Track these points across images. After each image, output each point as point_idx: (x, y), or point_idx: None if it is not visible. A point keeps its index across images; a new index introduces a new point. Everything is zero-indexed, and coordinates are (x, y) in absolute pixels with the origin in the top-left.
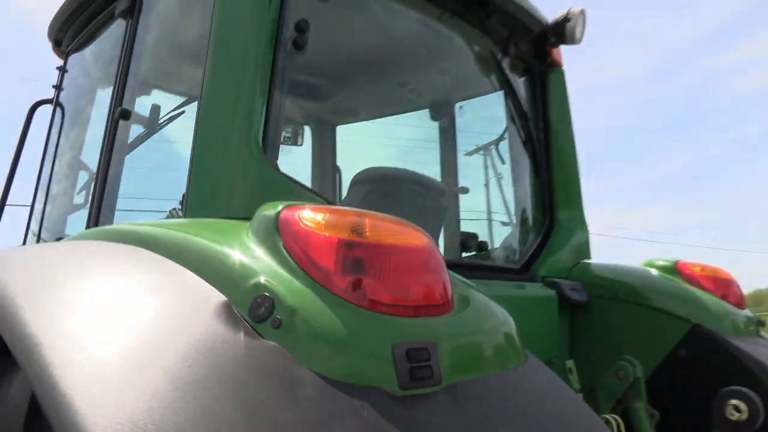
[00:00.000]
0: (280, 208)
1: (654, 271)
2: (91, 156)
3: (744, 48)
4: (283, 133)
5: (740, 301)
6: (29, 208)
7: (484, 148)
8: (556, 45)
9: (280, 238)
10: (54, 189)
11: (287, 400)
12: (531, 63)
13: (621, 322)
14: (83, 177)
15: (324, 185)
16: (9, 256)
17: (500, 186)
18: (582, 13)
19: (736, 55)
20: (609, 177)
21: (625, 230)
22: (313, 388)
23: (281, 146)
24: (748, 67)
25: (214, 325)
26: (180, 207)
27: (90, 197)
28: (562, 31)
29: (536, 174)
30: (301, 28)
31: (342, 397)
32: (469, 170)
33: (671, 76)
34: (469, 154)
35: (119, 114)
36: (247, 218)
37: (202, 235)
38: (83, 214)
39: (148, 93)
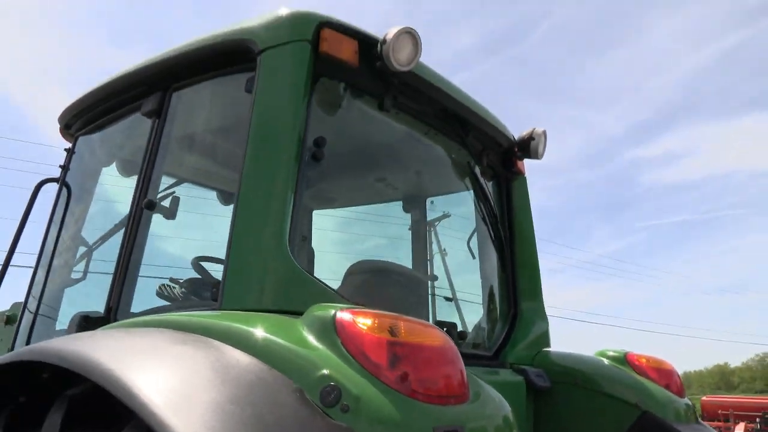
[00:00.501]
0: (333, 311)
1: (606, 361)
2: (94, 233)
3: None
4: None
5: (680, 390)
6: (30, 277)
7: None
8: (521, 158)
9: (338, 336)
10: (55, 262)
11: None
12: (499, 171)
13: (578, 406)
14: (83, 252)
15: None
16: (98, 340)
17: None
18: (544, 133)
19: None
20: (544, 257)
21: (559, 309)
22: None
23: None
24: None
25: (294, 407)
26: (169, 285)
27: (113, 279)
28: (527, 147)
29: (501, 268)
30: (319, 143)
31: None
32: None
33: (603, 162)
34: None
35: (145, 204)
36: (289, 313)
37: (265, 329)
38: (78, 288)
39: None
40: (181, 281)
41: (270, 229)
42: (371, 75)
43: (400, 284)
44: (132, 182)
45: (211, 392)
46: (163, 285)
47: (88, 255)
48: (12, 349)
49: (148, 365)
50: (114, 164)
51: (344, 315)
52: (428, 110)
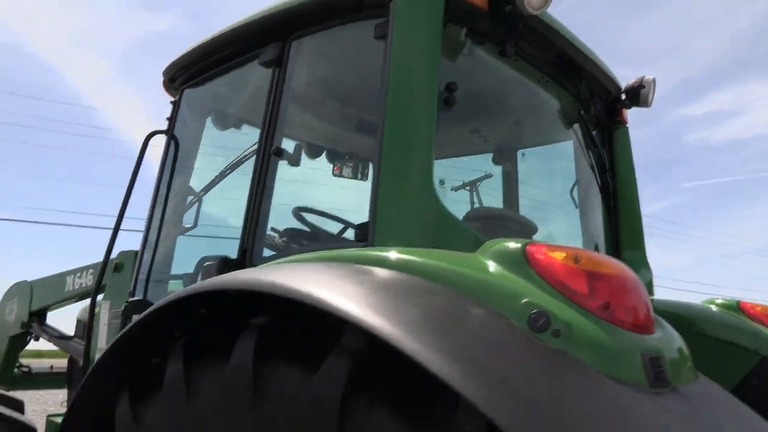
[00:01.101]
0: (519, 243)
1: (717, 308)
2: (202, 182)
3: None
4: (344, 167)
5: None
6: (145, 227)
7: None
8: (629, 107)
9: (531, 267)
10: (167, 211)
11: (587, 388)
12: (603, 120)
13: (694, 354)
14: (193, 202)
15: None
16: (296, 271)
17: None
18: (653, 81)
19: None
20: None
21: None
22: (599, 380)
23: None
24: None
25: (507, 333)
26: (271, 234)
27: (245, 225)
28: (636, 95)
29: (605, 217)
30: (451, 89)
31: (616, 386)
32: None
33: (648, 121)
34: (456, 189)
35: (274, 151)
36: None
37: (452, 261)
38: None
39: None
40: (282, 230)
41: (418, 171)
42: (497, 20)
43: (516, 231)
44: (236, 133)
45: (415, 312)
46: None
47: (198, 204)
48: (133, 294)
49: (353, 290)
50: (218, 115)
51: (535, 247)
52: (546, 57)
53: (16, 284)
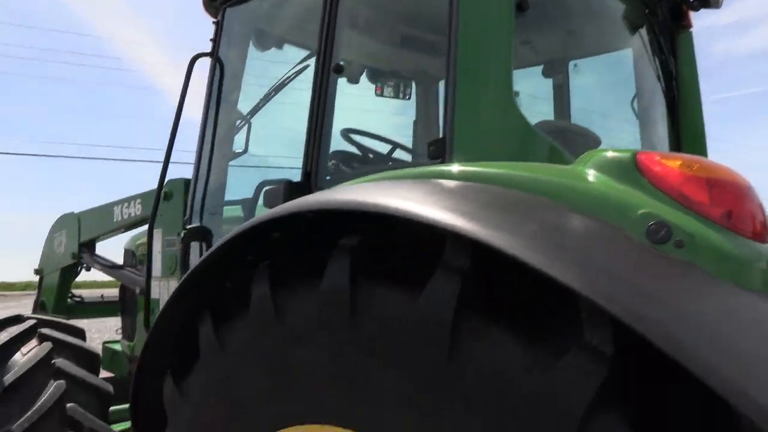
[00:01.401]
0: (627, 153)
1: None
2: (250, 105)
3: None
4: (384, 87)
5: None
6: (195, 154)
7: None
8: (697, 8)
9: (643, 176)
10: (216, 136)
11: (726, 299)
12: (668, 24)
13: None
14: (242, 125)
15: (429, 136)
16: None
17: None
18: None
19: None
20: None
21: None
22: (733, 291)
23: None
24: None
25: (626, 247)
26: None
27: (307, 146)
28: None
29: (670, 130)
30: None
31: (751, 296)
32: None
33: None
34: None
35: (334, 68)
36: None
37: (551, 174)
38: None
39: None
40: (330, 153)
41: (497, 80)
42: None
43: (582, 144)
44: (281, 53)
45: (534, 226)
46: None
47: (247, 128)
48: (189, 221)
49: (462, 206)
50: (261, 35)
51: (646, 155)
52: None
53: (63, 216)
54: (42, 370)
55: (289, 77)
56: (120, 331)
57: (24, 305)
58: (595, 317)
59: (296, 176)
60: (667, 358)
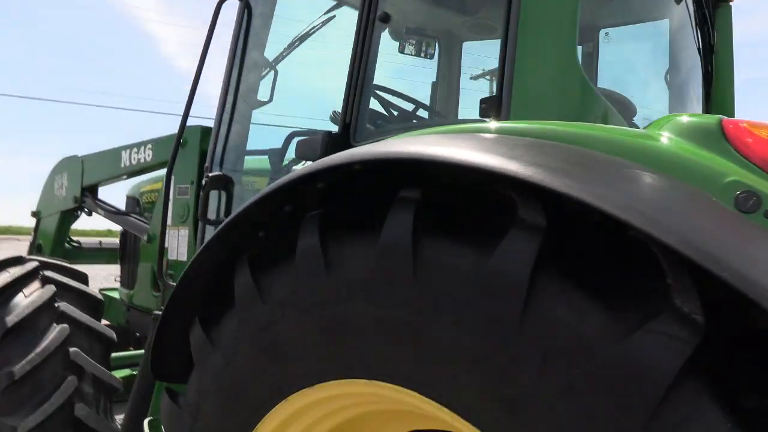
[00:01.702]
0: (711, 119)
1: None
2: (277, 53)
3: None
4: (407, 44)
5: None
6: (219, 101)
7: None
8: None
9: (730, 144)
10: (241, 85)
11: None
12: None
13: None
14: (268, 74)
15: (450, 100)
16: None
17: None
18: None
19: None
20: None
21: None
22: None
23: None
24: None
25: (724, 212)
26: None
27: (347, 97)
28: None
29: (704, 103)
30: None
31: None
32: None
33: None
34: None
35: (380, 17)
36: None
37: (643, 139)
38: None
39: None
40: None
41: (561, 38)
42: None
43: (621, 112)
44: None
45: (630, 187)
46: (336, 112)
47: (273, 77)
48: (210, 169)
49: (543, 160)
50: None
51: (732, 122)
52: None
53: (66, 159)
54: (45, 313)
55: (318, 25)
56: (118, 278)
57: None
58: (684, 283)
59: (323, 127)
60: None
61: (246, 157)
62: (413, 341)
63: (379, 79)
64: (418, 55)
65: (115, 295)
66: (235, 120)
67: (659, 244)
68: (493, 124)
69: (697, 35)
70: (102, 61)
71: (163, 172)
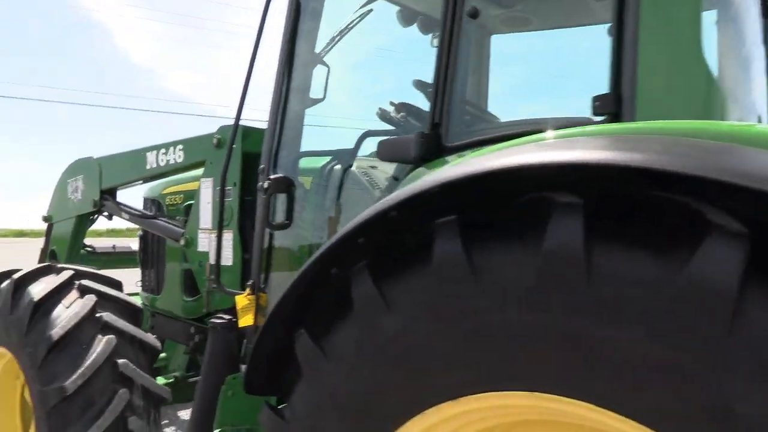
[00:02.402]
0: None
1: None
2: (329, 49)
3: None
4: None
5: None
6: (272, 99)
7: None
8: None
9: None
10: (292, 82)
11: None
12: None
13: None
14: (320, 71)
15: (480, 95)
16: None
17: None
18: None
19: None
20: None
21: None
22: None
23: None
24: None
25: None
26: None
27: (435, 95)
28: None
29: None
30: None
31: None
32: None
33: None
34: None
35: (470, 12)
36: None
37: None
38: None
39: None
40: (398, 104)
41: (688, 27)
42: None
43: None
44: None
45: None
46: (383, 109)
47: (326, 73)
48: (267, 171)
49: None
50: None
51: None
52: None
53: (80, 161)
54: (88, 324)
55: (356, 20)
56: (139, 283)
57: None
58: None
59: (376, 126)
60: None
61: (306, 158)
62: (588, 350)
63: (415, 73)
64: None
65: (137, 300)
66: (289, 119)
67: None
68: (642, 124)
69: (742, 26)
70: (52, 53)
71: (189, 174)
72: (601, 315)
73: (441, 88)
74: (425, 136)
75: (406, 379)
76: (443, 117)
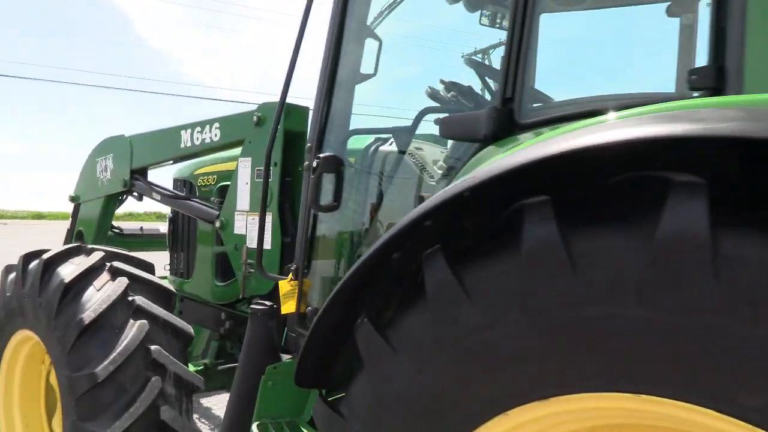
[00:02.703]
0: None
1: None
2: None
3: None
4: (482, 16)
5: None
6: (320, 76)
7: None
8: None
9: None
10: (341, 58)
11: None
12: None
13: None
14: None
15: (529, 74)
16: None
17: None
18: None
19: None
20: None
21: None
22: None
23: None
24: None
25: None
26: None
27: (506, 69)
28: None
29: None
30: None
31: None
32: None
33: None
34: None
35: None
36: None
37: None
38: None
39: None
40: (448, 83)
41: None
42: None
43: None
44: None
45: None
46: (432, 87)
47: (378, 49)
48: (315, 149)
49: None
50: None
51: None
52: None
53: (110, 139)
54: (120, 307)
55: None
56: (167, 267)
57: None
58: None
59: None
60: None
61: (356, 136)
62: (719, 351)
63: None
64: (492, 26)
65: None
66: (338, 96)
67: None
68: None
69: None
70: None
71: (221, 154)
72: (733, 311)
73: (515, 58)
74: (498, 111)
75: (489, 376)
76: (516, 91)
